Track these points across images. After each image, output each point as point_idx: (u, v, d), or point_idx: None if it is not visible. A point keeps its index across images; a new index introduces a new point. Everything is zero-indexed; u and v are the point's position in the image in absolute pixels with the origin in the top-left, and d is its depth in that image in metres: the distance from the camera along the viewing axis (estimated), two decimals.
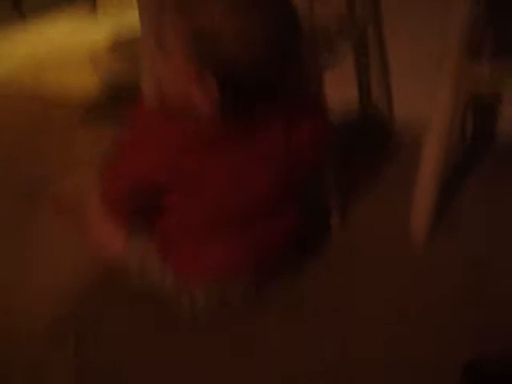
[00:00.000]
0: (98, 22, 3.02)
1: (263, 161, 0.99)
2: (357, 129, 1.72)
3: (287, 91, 0.98)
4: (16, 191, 1.59)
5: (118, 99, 1.05)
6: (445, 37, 1.08)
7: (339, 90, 1.56)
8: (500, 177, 1.47)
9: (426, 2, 1.48)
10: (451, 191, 1.40)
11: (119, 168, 1.00)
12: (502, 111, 1.59)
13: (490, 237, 1.28)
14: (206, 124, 0.91)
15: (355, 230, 1.34)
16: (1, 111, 2.12)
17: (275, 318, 1.14)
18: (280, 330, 1.12)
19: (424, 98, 1.24)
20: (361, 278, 1.21)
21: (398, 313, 1.12)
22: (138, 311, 1.17)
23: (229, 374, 1.04)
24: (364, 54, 1.66)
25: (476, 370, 0.95)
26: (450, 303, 1.13)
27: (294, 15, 0.89)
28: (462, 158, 1.55)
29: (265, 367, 1.05)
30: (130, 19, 2.19)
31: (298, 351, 1.07)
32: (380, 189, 1.47)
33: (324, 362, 1.04)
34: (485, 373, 0.95)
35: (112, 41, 2.55)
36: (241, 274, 1.11)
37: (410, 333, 1.08)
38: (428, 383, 0.99)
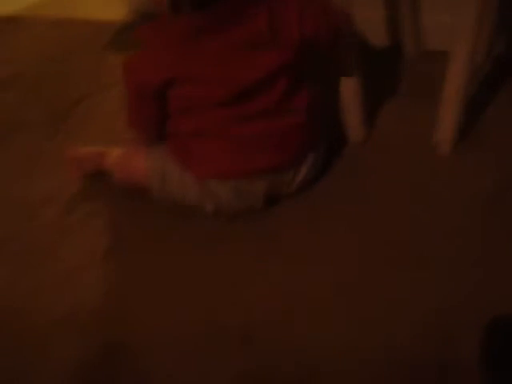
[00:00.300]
0: None
1: (255, 43, 1.05)
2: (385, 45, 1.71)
3: None
4: (48, 112, 1.64)
5: (145, 23, 1.08)
6: None
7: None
8: None
9: None
10: (477, 107, 1.39)
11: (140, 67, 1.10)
12: None
13: None
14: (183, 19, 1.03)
15: (378, 142, 1.35)
16: (30, 37, 2.14)
17: (298, 221, 1.17)
18: (302, 232, 1.15)
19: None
20: (385, 190, 1.22)
21: (424, 225, 1.13)
22: (161, 225, 1.20)
23: (255, 276, 1.07)
24: None
25: (501, 329, 0.94)
26: (475, 213, 1.13)
27: None
28: (489, 73, 1.53)
29: (292, 270, 1.07)
30: None
31: (322, 257, 1.09)
32: (403, 101, 1.46)
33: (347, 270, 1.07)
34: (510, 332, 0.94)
35: None
36: (259, 171, 1.13)
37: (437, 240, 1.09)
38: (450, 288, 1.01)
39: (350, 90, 1.29)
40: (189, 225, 1.19)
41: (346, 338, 0.94)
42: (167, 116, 1.14)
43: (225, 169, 1.12)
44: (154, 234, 1.18)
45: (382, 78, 1.53)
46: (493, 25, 1.52)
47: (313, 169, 1.20)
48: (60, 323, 1.02)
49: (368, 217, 1.16)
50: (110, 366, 0.94)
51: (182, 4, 1.01)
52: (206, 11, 1.01)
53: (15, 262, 1.15)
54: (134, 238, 1.18)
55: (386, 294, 1.00)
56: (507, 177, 1.19)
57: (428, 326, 0.94)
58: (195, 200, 1.16)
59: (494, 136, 1.30)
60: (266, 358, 0.92)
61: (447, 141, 1.26)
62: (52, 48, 2.05)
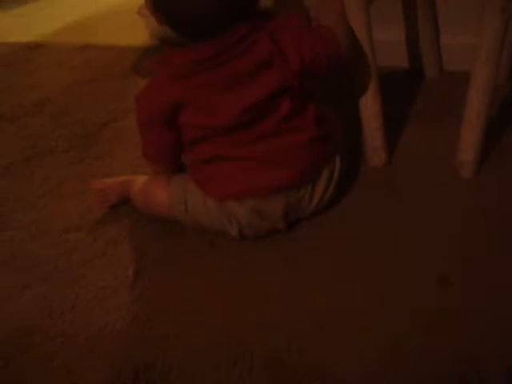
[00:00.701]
0: None
1: (258, 70, 1.09)
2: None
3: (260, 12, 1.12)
4: (74, 137, 1.67)
5: (166, 49, 1.12)
6: None
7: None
8: None
9: None
10: (499, 128, 1.39)
11: (147, 96, 1.16)
12: None
13: None
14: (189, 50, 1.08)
15: (399, 166, 1.35)
16: (54, 63, 2.19)
17: (318, 244, 1.18)
18: (322, 251, 1.16)
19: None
20: (406, 213, 1.22)
21: (447, 247, 1.13)
22: (186, 249, 1.22)
23: (279, 299, 1.07)
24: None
25: None
26: (498, 237, 1.13)
27: None
28: (510, 95, 1.54)
29: (314, 293, 1.07)
30: None
31: (347, 270, 1.11)
32: (424, 123, 1.46)
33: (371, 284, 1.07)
34: None
35: None
36: (275, 188, 1.15)
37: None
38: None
39: (369, 113, 1.31)
40: (214, 248, 1.20)
41: (373, 360, 0.94)
42: (181, 147, 1.19)
43: (242, 188, 1.14)
44: (178, 258, 1.20)
45: (403, 101, 1.55)
46: None
47: (329, 186, 1.21)
48: (88, 346, 1.04)
49: (389, 241, 1.16)
50: None
51: (193, 35, 1.07)
52: (212, 41, 1.05)
53: (43, 287, 1.17)
54: (160, 262, 1.19)
55: (413, 317, 1.00)
56: None
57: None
58: (219, 225, 1.18)
59: None
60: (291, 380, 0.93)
61: (469, 163, 1.27)
62: (76, 73, 2.10)
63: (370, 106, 1.29)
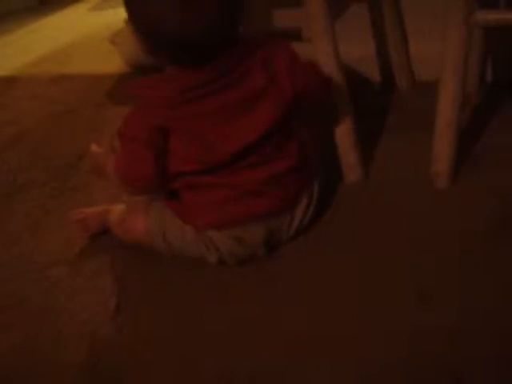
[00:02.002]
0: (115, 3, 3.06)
1: (253, 100, 1.08)
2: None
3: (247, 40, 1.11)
4: (52, 170, 1.67)
5: (141, 76, 1.11)
6: None
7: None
8: None
9: None
10: (472, 136, 1.41)
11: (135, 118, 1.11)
12: None
13: None
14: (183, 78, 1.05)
15: (375, 181, 1.36)
16: (29, 95, 2.19)
17: (298, 266, 1.18)
18: (300, 274, 1.16)
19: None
20: (383, 228, 1.23)
21: (425, 260, 1.14)
22: (168, 277, 1.22)
23: (261, 323, 1.07)
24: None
25: None
26: (477, 246, 1.13)
27: None
28: (482, 101, 1.55)
29: (295, 314, 1.07)
30: None
31: (327, 291, 1.11)
32: (398, 136, 1.48)
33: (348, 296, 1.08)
34: None
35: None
36: (256, 217, 1.14)
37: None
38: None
39: (342, 130, 1.32)
40: (195, 274, 1.20)
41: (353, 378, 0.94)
42: (165, 176, 1.15)
43: (222, 217, 1.14)
44: (161, 286, 1.20)
45: (376, 115, 1.56)
46: (481, 53, 1.55)
47: (308, 211, 1.22)
48: (78, 374, 1.03)
49: (367, 257, 1.16)
50: None
51: (182, 60, 1.05)
52: (203, 68, 1.04)
53: (27, 324, 1.16)
54: (143, 291, 1.19)
55: (387, 331, 1.00)
56: (507, 206, 1.20)
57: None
58: (198, 253, 1.18)
59: (492, 164, 1.32)
60: None
61: (444, 173, 1.28)
62: (52, 105, 2.10)
63: (342, 123, 1.31)
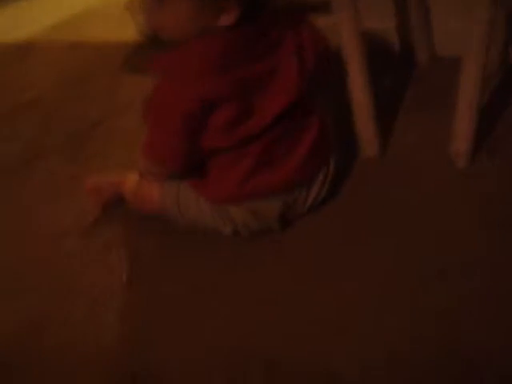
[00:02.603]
0: None
1: (287, 70, 1.06)
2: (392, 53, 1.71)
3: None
4: (67, 136, 1.66)
5: (155, 44, 1.08)
6: None
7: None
8: None
9: None
10: (492, 116, 1.38)
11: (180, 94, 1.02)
12: None
13: None
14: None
15: (393, 156, 1.34)
16: (46, 61, 2.18)
17: (313, 241, 1.17)
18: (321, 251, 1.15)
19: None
20: (400, 205, 1.21)
21: (441, 238, 1.12)
22: (181, 249, 1.21)
23: (275, 299, 1.07)
24: None
25: None
26: (496, 221, 1.12)
27: None
28: (503, 82, 1.52)
29: (310, 291, 1.07)
30: None
31: (343, 267, 1.10)
32: (417, 112, 1.45)
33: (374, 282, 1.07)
34: None
35: None
36: (272, 191, 1.14)
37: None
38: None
39: (361, 104, 1.29)
40: (208, 247, 1.19)
41: (374, 357, 0.94)
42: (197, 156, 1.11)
43: (240, 193, 1.13)
44: (174, 259, 1.19)
45: (395, 89, 1.53)
46: (505, 32, 1.51)
47: (324, 186, 1.21)
48: (84, 358, 1.03)
49: (385, 234, 1.15)
50: None
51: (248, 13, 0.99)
52: (243, 29, 1.00)
53: (36, 297, 1.16)
54: (155, 263, 1.19)
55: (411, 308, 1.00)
56: None
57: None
58: (212, 224, 1.17)
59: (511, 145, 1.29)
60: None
61: (463, 152, 1.25)
62: (68, 71, 2.08)
63: (361, 97, 1.28)
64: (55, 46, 2.26)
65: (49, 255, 1.25)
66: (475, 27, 1.13)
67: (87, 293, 1.15)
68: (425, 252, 1.09)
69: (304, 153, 1.14)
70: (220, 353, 0.99)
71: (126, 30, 2.09)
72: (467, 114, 1.21)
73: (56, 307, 1.13)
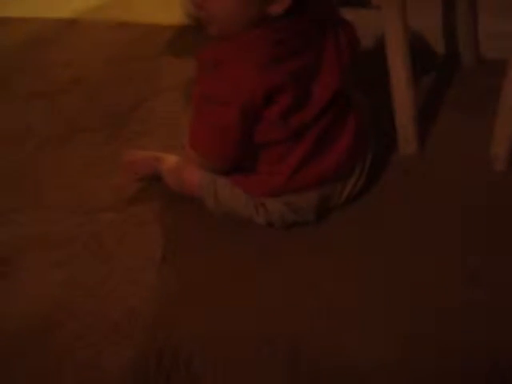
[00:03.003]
0: None
1: (329, 61, 1.08)
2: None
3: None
4: (107, 116, 1.68)
5: (201, 29, 1.10)
6: None
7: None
8: None
9: None
10: None
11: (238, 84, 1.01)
12: None
13: None
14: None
15: (430, 156, 1.34)
16: (90, 40, 2.20)
17: (348, 235, 1.18)
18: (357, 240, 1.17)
19: None
20: (435, 204, 1.22)
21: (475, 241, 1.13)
22: (216, 232, 1.23)
23: (307, 290, 1.09)
24: None
25: None
26: None
27: None
28: None
29: (342, 285, 1.08)
30: None
31: (375, 261, 1.11)
32: (459, 113, 1.44)
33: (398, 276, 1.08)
34: None
35: None
36: (310, 185, 1.15)
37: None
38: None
39: (403, 102, 1.29)
40: (242, 233, 1.21)
41: (393, 351, 0.95)
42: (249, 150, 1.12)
43: (276, 187, 1.14)
44: (208, 241, 1.21)
45: (438, 90, 1.52)
46: None
47: (359, 181, 1.21)
48: (114, 328, 1.06)
49: (417, 233, 1.16)
50: (161, 372, 0.97)
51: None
52: (293, 19, 1.01)
53: (73, 266, 1.20)
54: (188, 246, 1.21)
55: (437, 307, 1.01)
56: None
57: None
58: (246, 213, 1.18)
59: None
60: (314, 374, 0.94)
61: (502, 156, 1.25)
62: (111, 51, 2.10)
63: (403, 95, 1.28)
64: (100, 26, 2.28)
65: (86, 228, 1.28)
66: None
67: (122, 265, 1.18)
68: (453, 254, 1.10)
69: (346, 145, 1.15)
70: (247, 336, 1.01)
71: (172, 12, 2.11)
72: (509, 117, 1.21)
73: (92, 275, 1.17)
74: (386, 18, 1.23)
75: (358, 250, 1.14)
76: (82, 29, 2.33)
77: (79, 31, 2.32)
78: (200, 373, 0.96)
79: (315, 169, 1.13)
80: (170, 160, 1.30)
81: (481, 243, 1.11)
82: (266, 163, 1.14)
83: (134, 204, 1.33)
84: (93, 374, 0.99)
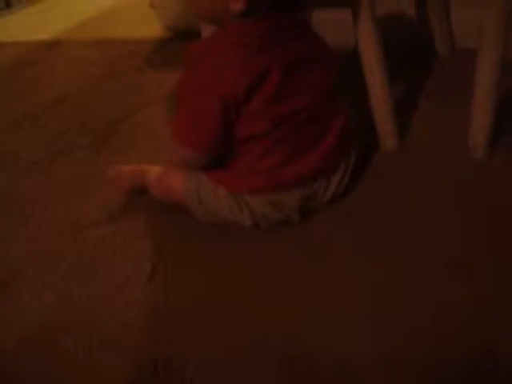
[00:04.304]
0: None
1: (314, 59, 1.11)
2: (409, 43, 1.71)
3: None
4: (91, 133, 1.70)
5: (180, 40, 1.12)
6: None
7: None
8: None
9: None
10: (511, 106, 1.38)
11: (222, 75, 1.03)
12: None
13: None
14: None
15: (411, 149, 1.35)
16: (70, 59, 2.22)
17: (332, 233, 1.18)
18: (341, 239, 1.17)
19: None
20: (419, 197, 1.23)
21: (460, 230, 1.14)
22: (203, 240, 1.23)
23: (295, 291, 1.09)
24: None
25: None
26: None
27: None
28: None
29: (330, 284, 1.08)
30: None
31: (368, 258, 1.12)
32: (437, 103, 1.46)
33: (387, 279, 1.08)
34: None
35: None
36: (293, 183, 1.15)
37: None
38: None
39: (379, 97, 1.31)
40: (229, 238, 1.22)
41: (388, 346, 0.95)
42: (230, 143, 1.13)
43: (258, 184, 1.15)
44: (195, 252, 1.22)
45: (415, 81, 1.54)
46: None
47: (344, 178, 1.22)
48: (108, 341, 1.06)
49: (403, 226, 1.17)
50: (157, 381, 0.97)
51: (259, 8, 1.01)
52: (279, 15, 1.04)
53: (64, 284, 1.20)
54: (177, 256, 1.21)
55: (416, 300, 1.01)
56: None
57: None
58: (232, 215, 1.19)
59: None
60: (308, 374, 0.95)
61: (482, 144, 1.26)
62: (92, 69, 2.12)
63: (378, 91, 1.30)
64: (80, 44, 2.30)
65: (76, 246, 1.29)
66: (490, 16, 1.13)
67: (113, 279, 1.18)
68: (438, 245, 1.11)
69: (331, 143, 1.17)
70: (240, 341, 1.01)
71: (149, 27, 2.13)
72: (484, 104, 1.22)
73: (83, 292, 1.17)
74: (354, 14, 1.24)
75: (347, 247, 1.15)
76: (63, 49, 2.36)
77: (60, 51, 2.34)
78: (195, 381, 0.97)
79: (298, 166, 1.14)
80: (155, 171, 1.31)
81: (467, 233, 1.12)
82: (248, 159, 1.15)
83: (122, 219, 1.34)
84: None
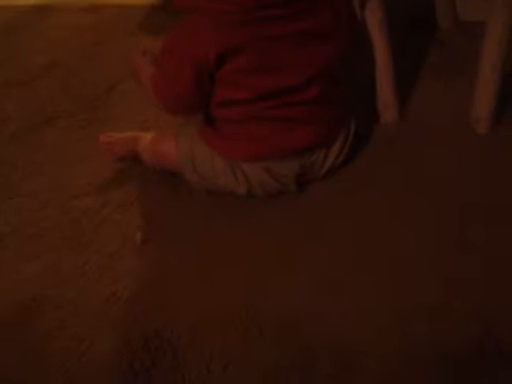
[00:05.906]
0: None
1: (320, 34, 1.07)
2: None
3: None
4: (82, 100, 1.65)
5: (171, 8, 1.09)
6: None
7: None
8: None
9: None
10: None
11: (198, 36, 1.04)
12: None
13: None
14: None
15: (412, 122, 1.32)
16: (62, 24, 2.16)
17: (329, 205, 1.17)
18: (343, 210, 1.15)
19: None
20: (419, 170, 1.21)
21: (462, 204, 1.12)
22: (196, 210, 1.21)
23: (291, 261, 1.07)
24: None
25: None
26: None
27: None
28: None
29: (326, 254, 1.07)
30: None
31: (368, 232, 1.10)
32: (439, 77, 1.42)
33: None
34: None
35: None
36: (290, 151, 1.13)
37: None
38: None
39: (380, 69, 1.28)
40: (223, 209, 1.19)
41: (389, 323, 0.93)
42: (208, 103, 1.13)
43: (255, 151, 1.12)
44: (186, 223, 1.19)
45: (416, 54, 1.51)
46: None
47: (343, 150, 1.20)
48: (97, 314, 1.04)
49: (398, 198, 1.15)
50: (147, 356, 0.95)
51: None
52: None
53: (52, 255, 1.17)
54: (167, 227, 1.19)
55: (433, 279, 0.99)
56: None
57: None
58: (227, 183, 1.16)
59: None
60: (301, 347, 0.92)
61: (484, 118, 1.24)
62: (84, 35, 2.06)
63: (380, 62, 1.26)
64: (71, 9, 2.24)
65: (63, 216, 1.25)
66: None
67: (102, 250, 1.15)
68: (443, 220, 1.09)
69: (330, 114, 1.15)
70: (233, 314, 0.99)
71: None
72: (490, 79, 1.19)
73: (71, 263, 1.14)
74: None
75: (345, 219, 1.13)
76: (54, 14, 2.29)
77: (51, 17, 2.27)
78: (186, 355, 0.94)
79: (296, 136, 1.12)
80: (146, 138, 1.28)
81: (475, 210, 1.10)
82: (237, 123, 1.13)
83: (111, 188, 1.30)
84: (77, 362, 0.96)
